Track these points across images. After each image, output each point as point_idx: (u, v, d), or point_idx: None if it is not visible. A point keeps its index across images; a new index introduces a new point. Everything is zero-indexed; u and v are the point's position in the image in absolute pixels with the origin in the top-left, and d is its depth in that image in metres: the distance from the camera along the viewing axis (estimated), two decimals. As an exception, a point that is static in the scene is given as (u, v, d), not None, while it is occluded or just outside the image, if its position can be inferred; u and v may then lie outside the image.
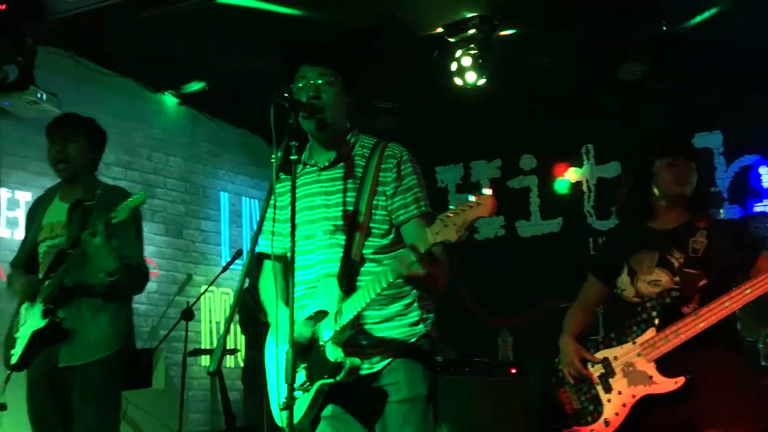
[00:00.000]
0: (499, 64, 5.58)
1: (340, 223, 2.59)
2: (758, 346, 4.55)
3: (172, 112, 6.74)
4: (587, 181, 7.07)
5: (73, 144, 3.63)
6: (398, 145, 2.67)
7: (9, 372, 3.55)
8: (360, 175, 2.62)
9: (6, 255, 4.98)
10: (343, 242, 2.57)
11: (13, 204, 5.39)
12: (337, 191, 2.62)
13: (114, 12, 4.91)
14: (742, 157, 6.47)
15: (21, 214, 5.34)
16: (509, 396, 5.35)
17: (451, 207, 2.19)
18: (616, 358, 3.10)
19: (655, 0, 5.16)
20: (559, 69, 6.09)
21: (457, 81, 5.63)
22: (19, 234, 5.05)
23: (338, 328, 2.42)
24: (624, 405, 3.03)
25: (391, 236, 2.61)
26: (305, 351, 2.49)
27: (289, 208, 2.40)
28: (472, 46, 5.46)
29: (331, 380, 2.41)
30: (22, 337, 3.46)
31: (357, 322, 2.45)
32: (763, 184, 6.38)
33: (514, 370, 5.48)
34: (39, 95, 4.97)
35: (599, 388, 3.12)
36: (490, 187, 2.21)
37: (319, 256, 2.61)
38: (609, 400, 3.08)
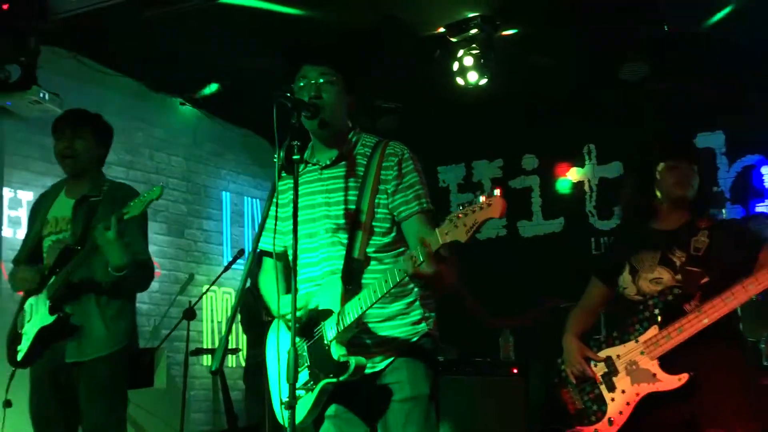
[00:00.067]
0: (500, 64, 5.58)
1: (342, 221, 2.60)
2: (760, 346, 4.55)
3: (174, 112, 6.75)
4: (589, 181, 7.07)
5: (81, 140, 3.62)
6: (400, 144, 2.68)
7: (13, 369, 3.55)
8: (361, 173, 2.63)
9: (8, 254, 4.98)
10: (345, 241, 2.58)
11: (15, 203, 5.39)
12: (339, 190, 2.63)
13: (116, 12, 4.92)
14: (744, 157, 6.47)
15: (23, 214, 5.34)
16: (510, 396, 5.35)
17: (460, 207, 2.19)
18: (619, 356, 3.10)
19: (656, 0, 5.16)
20: (561, 69, 6.09)
21: (459, 81, 5.63)
22: (22, 233, 5.05)
23: (342, 328, 2.43)
24: (628, 403, 3.03)
25: (393, 234, 2.62)
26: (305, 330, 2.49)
27: (291, 206, 2.41)
28: (474, 45, 5.46)
29: (335, 380, 2.42)
30: (28, 333, 3.46)
31: (361, 320, 2.46)
32: (765, 183, 6.37)
33: (515, 370, 5.48)
34: (41, 95, 4.98)
35: (602, 387, 3.13)
36: (499, 188, 2.21)
37: (322, 254, 2.61)
38: (613, 399, 3.08)
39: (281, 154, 2.41)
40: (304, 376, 2.51)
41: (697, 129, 6.48)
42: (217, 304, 6.94)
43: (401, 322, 2.58)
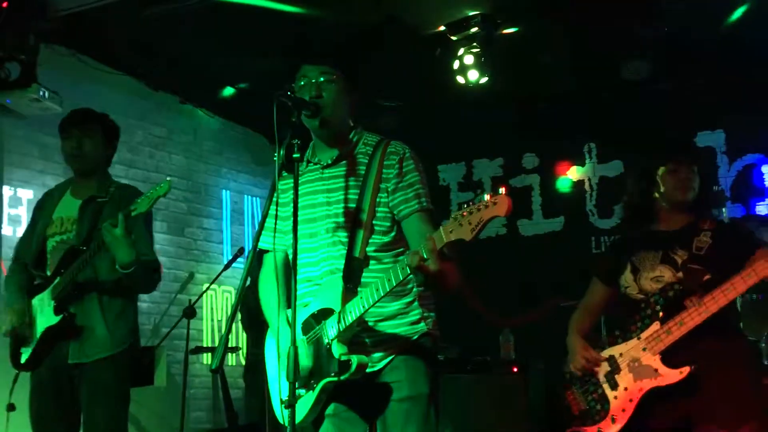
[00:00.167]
0: (501, 62, 5.58)
1: (342, 220, 2.59)
2: (761, 345, 4.56)
3: (174, 111, 6.75)
4: (589, 179, 7.07)
5: (89, 139, 3.61)
6: (401, 143, 2.68)
7: (17, 372, 3.54)
8: (363, 172, 2.62)
9: (8, 253, 4.98)
10: (346, 240, 2.57)
11: (15, 201, 5.39)
12: (340, 189, 2.63)
13: (116, 10, 4.92)
14: (744, 156, 6.47)
15: (23, 212, 5.34)
16: (511, 395, 5.35)
17: (465, 206, 2.18)
18: (621, 354, 3.11)
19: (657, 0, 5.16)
20: (562, 67, 6.08)
21: (460, 79, 5.63)
22: (22, 232, 5.04)
23: (344, 327, 2.42)
24: (631, 400, 3.04)
25: (393, 234, 2.62)
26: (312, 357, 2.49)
27: (291, 205, 2.41)
28: (475, 44, 5.46)
29: (336, 379, 2.41)
30: (33, 334, 3.45)
31: (361, 319, 2.45)
32: (765, 182, 6.38)
33: (515, 369, 5.49)
34: (41, 93, 4.97)
35: (606, 386, 3.13)
36: (504, 186, 2.19)
37: (322, 254, 2.61)
38: (615, 397, 3.09)
39: (281, 152, 2.40)
40: (305, 375, 2.50)
41: (698, 128, 6.48)
42: (217, 302, 6.94)
43: (400, 321, 2.58)
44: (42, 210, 3.72)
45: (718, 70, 5.91)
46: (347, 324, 2.41)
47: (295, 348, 2.27)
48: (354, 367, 2.38)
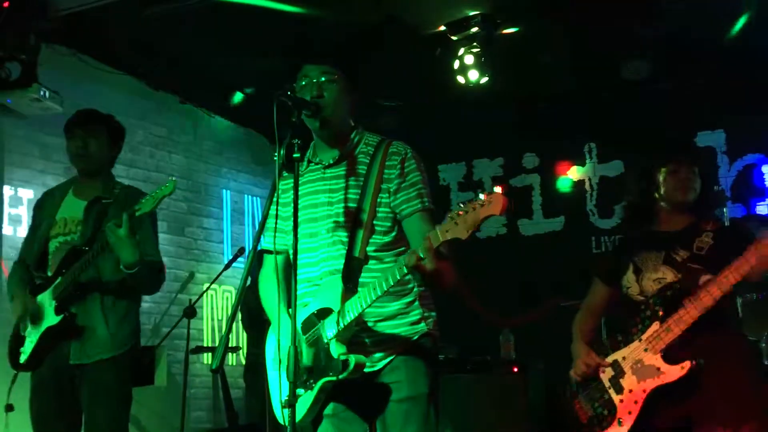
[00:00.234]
0: (501, 62, 5.58)
1: (342, 219, 2.59)
2: (761, 345, 4.56)
3: (175, 110, 6.75)
4: (590, 179, 7.07)
5: (95, 139, 3.61)
6: (402, 143, 2.68)
7: (15, 372, 3.54)
8: (364, 172, 2.62)
9: (8, 252, 4.98)
10: (346, 239, 2.58)
11: (15, 201, 5.39)
12: (341, 189, 2.63)
13: (117, 10, 4.92)
14: (745, 156, 6.47)
15: (24, 212, 5.34)
16: (510, 395, 5.35)
17: (461, 205, 2.19)
18: (624, 358, 3.11)
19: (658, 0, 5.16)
20: (562, 67, 6.08)
21: (460, 79, 5.63)
22: (22, 231, 5.05)
23: (342, 326, 2.42)
24: (636, 402, 3.03)
25: (394, 234, 2.62)
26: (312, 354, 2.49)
27: (292, 205, 2.41)
28: (475, 44, 5.46)
29: (334, 378, 2.41)
30: (32, 335, 3.44)
31: (361, 319, 2.46)
32: (766, 182, 6.37)
33: (515, 369, 5.49)
34: (42, 93, 4.97)
35: (611, 391, 3.13)
36: (500, 185, 2.20)
37: (322, 254, 2.61)
38: (621, 401, 3.08)
39: (282, 152, 2.41)
40: (303, 374, 2.50)
41: (698, 128, 6.48)
42: (218, 302, 6.94)
43: (401, 321, 2.58)
44: (42, 210, 3.70)
45: (718, 70, 5.91)
46: (346, 323, 2.42)
47: (295, 348, 2.28)
48: (352, 366, 2.38)
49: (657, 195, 3.23)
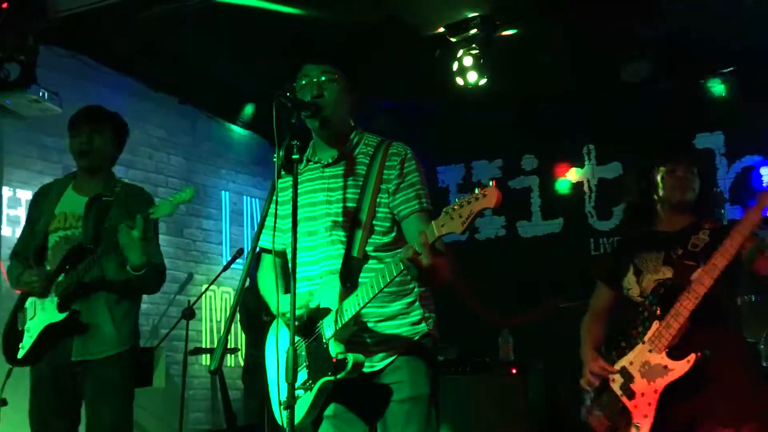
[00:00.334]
0: (500, 63, 5.58)
1: (341, 219, 2.59)
2: (759, 347, 4.55)
3: (174, 112, 6.74)
4: (588, 181, 7.06)
5: (99, 136, 3.62)
6: (403, 145, 2.68)
7: (11, 367, 3.52)
8: (363, 172, 2.63)
9: (7, 254, 4.96)
10: (345, 239, 2.58)
11: (14, 202, 5.38)
12: (339, 188, 2.63)
13: (116, 11, 4.92)
14: (743, 158, 6.46)
15: (22, 213, 5.33)
16: (510, 395, 5.35)
17: (456, 200, 2.22)
18: (631, 363, 3.08)
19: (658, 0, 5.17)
20: (561, 69, 6.08)
21: (459, 81, 5.63)
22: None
23: (340, 326, 2.42)
24: (650, 404, 3.00)
25: (393, 234, 2.62)
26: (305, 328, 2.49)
27: (291, 203, 2.40)
28: (474, 45, 5.46)
29: (333, 378, 2.41)
30: (31, 330, 3.43)
31: (359, 318, 2.45)
32: (764, 184, 6.37)
33: (514, 370, 5.48)
34: (41, 94, 4.97)
35: (624, 398, 3.10)
36: (493, 179, 2.23)
37: (321, 253, 2.61)
38: (636, 406, 3.05)
39: (281, 153, 2.41)
40: (303, 375, 2.50)
41: (697, 129, 6.47)
42: (216, 303, 6.93)
43: (401, 321, 2.58)
44: (38, 206, 3.69)
45: (717, 72, 5.92)
46: (343, 322, 2.41)
47: (294, 349, 2.27)
48: (350, 365, 2.38)
49: (656, 195, 3.23)
